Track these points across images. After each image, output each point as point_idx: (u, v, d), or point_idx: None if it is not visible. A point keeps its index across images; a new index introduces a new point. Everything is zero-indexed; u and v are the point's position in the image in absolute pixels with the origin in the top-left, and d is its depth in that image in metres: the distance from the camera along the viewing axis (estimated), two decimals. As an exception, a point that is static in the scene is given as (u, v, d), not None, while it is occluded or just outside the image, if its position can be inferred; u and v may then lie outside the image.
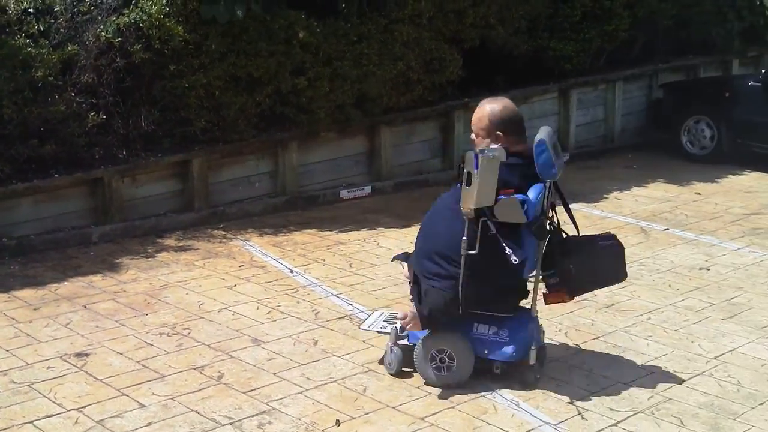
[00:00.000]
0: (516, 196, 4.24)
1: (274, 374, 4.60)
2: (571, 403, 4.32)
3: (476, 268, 4.28)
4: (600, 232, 4.88)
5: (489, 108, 4.47)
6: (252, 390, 4.41)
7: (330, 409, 4.22)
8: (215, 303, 5.64)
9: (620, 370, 4.71)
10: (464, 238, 4.26)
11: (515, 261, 4.22)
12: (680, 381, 4.58)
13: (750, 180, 9.32)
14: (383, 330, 4.85)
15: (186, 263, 6.45)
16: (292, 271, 6.29)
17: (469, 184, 4.16)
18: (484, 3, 9.04)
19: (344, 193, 8.40)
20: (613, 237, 4.67)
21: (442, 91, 9.17)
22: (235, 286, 5.98)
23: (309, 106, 8.01)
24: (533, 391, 4.43)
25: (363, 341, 5.04)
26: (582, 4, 10.05)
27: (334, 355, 4.86)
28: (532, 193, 4.31)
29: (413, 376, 4.57)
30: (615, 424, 4.12)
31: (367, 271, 6.33)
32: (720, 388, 4.51)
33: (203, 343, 4.99)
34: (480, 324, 4.47)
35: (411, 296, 4.60)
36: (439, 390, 4.42)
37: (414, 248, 4.67)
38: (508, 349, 4.45)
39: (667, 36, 11.63)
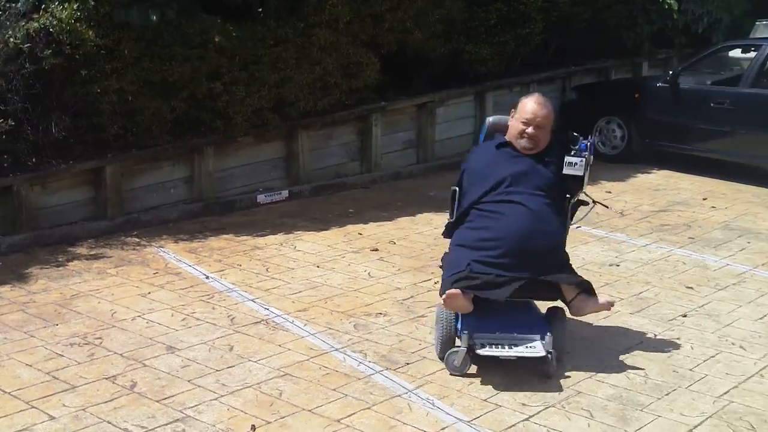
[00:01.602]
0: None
1: (189, 381, 4.57)
2: (485, 400, 4.39)
3: None
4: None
5: (550, 105, 5.02)
6: (166, 398, 4.37)
7: (245, 415, 4.21)
8: (128, 311, 5.56)
9: (532, 366, 4.80)
10: (569, 220, 4.98)
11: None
12: (590, 374, 4.69)
13: (658, 178, 9.59)
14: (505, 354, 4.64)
15: (98, 272, 6.35)
16: (207, 277, 6.25)
17: (587, 168, 4.87)
18: (400, 8, 9.11)
19: (261, 198, 8.36)
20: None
21: (360, 95, 9.21)
22: (149, 293, 5.91)
23: (225, 111, 7.97)
24: (448, 389, 4.49)
25: (279, 346, 5.04)
26: (497, 8, 10.21)
27: (249, 360, 4.84)
28: None
29: (330, 379, 4.59)
30: (527, 419, 4.20)
31: (284, 275, 6.32)
32: (628, 381, 4.63)
33: (116, 352, 4.92)
34: None
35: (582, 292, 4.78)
36: (355, 392, 4.45)
37: (516, 258, 4.63)
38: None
39: (580, 39, 11.88)
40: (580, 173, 4.83)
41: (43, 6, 7.18)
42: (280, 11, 8.44)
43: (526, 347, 4.62)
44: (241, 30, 8.01)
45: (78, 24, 7.08)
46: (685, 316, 5.58)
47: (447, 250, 4.97)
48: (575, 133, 5.04)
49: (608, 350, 5.03)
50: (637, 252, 6.93)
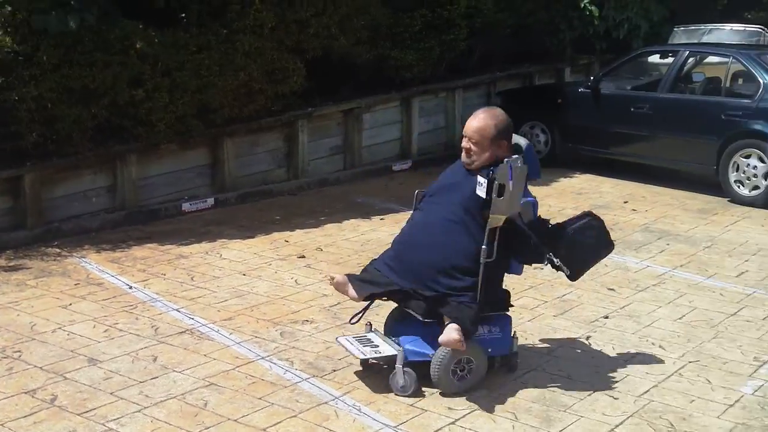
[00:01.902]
0: (528, 198, 4.62)
1: (111, 393, 4.49)
2: (412, 405, 4.41)
3: (491, 274, 4.53)
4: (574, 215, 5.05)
5: (492, 117, 4.64)
6: (87, 411, 4.28)
7: (170, 426, 4.15)
8: (48, 323, 5.44)
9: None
10: (484, 246, 4.45)
11: (550, 260, 4.66)
12: (515, 377, 4.75)
13: (581, 182, 9.77)
14: (380, 354, 4.66)
15: (17, 283, 6.20)
16: (131, 287, 6.15)
17: (500, 195, 4.38)
18: (325, 13, 9.11)
19: (186, 206, 8.27)
20: (589, 214, 4.92)
21: (286, 101, 9.18)
22: (70, 304, 5.78)
23: (148, 118, 7.86)
24: (375, 395, 4.50)
25: (204, 355, 4.99)
26: (422, 14, 10.29)
27: (174, 371, 4.78)
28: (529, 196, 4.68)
29: (256, 387, 4.56)
30: (453, 422, 4.23)
31: (209, 284, 6.26)
32: (552, 382, 4.71)
33: (35, 366, 4.81)
34: (480, 326, 4.62)
35: (422, 315, 4.56)
36: (281, 400, 4.43)
37: (400, 265, 4.60)
38: (506, 344, 4.77)
39: (504, 45, 12.05)
40: (482, 195, 4.45)
41: (-42, 11, 7.00)
42: (203, 17, 8.36)
43: (370, 350, 4.68)
44: (163, 36, 7.92)
45: (-6, 30, 6.92)
46: (606, 317, 5.70)
47: None
48: (521, 143, 4.75)
49: (532, 352, 5.10)
50: (560, 255, 7.03)
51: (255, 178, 9.07)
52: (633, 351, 5.15)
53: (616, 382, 4.73)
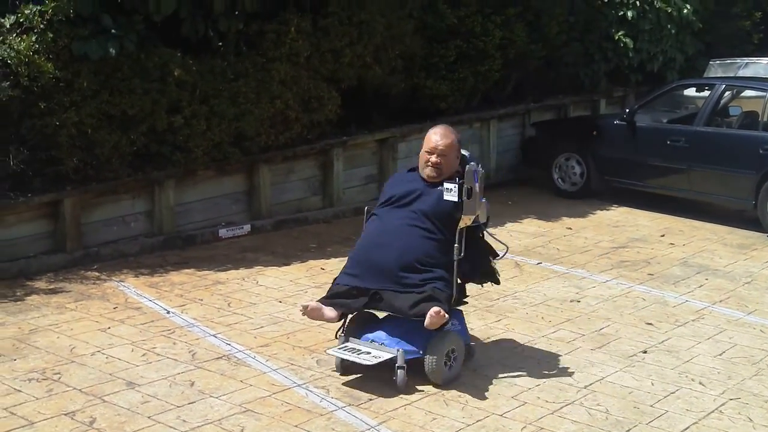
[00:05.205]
0: (481, 199, 5.11)
1: (149, 417, 4.50)
2: (448, 436, 4.39)
3: (460, 270, 5.05)
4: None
5: (453, 133, 5.27)
6: (125, 435, 4.30)
7: (207, 452, 4.16)
8: (88, 346, 5.47)
9: (495, 401, 4.82)
10: (456, 245, 4.99)
11: (500, 255, 5.29)
12: (552, 410, 4.71)
13: (617, 214, 9.71)
14: (381, 358, 4.90)
15: (57, 306, 6.25)
16: (168, 312, 6.17)
17: (469, 197, 4.96)
18: (360, 43, 9.17)
19: (223, 232, 8.31)
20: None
21: (320, 130, 9.22)
22: (109, 328, 5.82)
23: (186, 145, 7.93)
24: (411, 425, 4.48)
25: (241, 381, 4.99)
26: (456, 45, 10.32)
27: (211, 396, 4.79)
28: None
29: (292, 415, 4.56)
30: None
31: (246, 310, 6.27)
32: (589, 416, 4.66)
33: (75, 388, 4.84)
34: None
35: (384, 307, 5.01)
36: (317, 428, 4.42)
37: (366, 270, 5.03)
38: (466, 334, 5.30)
39: (538, 76, 12.05)
40: (455, 199, 4.99)
41: (1, 38, 7.11)
42: (240, 45, 8.45)
43: (370, 356, 4.89)
44: (200, 63, 8.00)
45: (36, 56, 7.01)
46: (645, 352, 5.64)
47: None
48: (465, 153, 5.35)
49: (569, 386, 5.06)
50: (597, 288, 7.00)
51: (290, 205, 9.10)
52: (672, 387, 5.09)
53: (655, 418, 4.67)
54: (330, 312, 5.01)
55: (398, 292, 4.92)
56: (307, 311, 5.00)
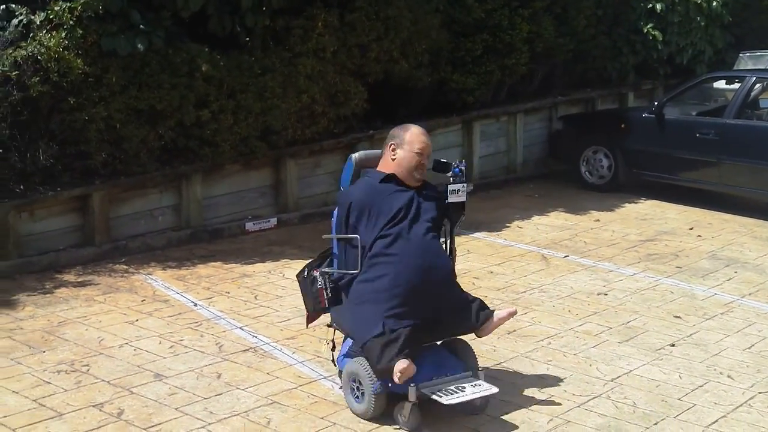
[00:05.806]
0: None
1: (176, 409, 4.54)
2: (476, 429, 4.37)
3: None
4: None
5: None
6: (153, 426, 4.34)
7: (233, 443, 4.18)
8: (116, 338, 5.53)
9: (521, 394, 4.80)
10: (455, 247, 4.90)
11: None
12: (578, 404, 4.69)
13: (645, 207, 9.64)
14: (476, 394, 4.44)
15: (86, 299, 6.32)
16: (195, 305, 6.22)
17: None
18: (387, 38, 9.17)
19: (249, 226, 8.35)
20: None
21: (347, 124, 9.24)
22: (137, 320, 5.88)
23: (213, 139, 7.98)
24: (436, 417, 4.47)
25: (268, 373, 5.02)
26: (482, 38, 10.28)
27: (237, 388, 4.82)
28: None
29: (318, 407, 4.58)
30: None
31: (272, 303, 6.30)
32: (616, 410, 4.63)
33: (103, 380, 4.89)
34: None
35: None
36: (343, 420, 4.43)
37: (417, 302, 4.41)
38: None
39: (565, 70, 11.99)
40: (464, 199, 4.76)
41: (31, 34, 7.20)
42: (267, 41, 8.48)
43: (472, 386, 4.42)
44: (228, 59, 8.05)
45: (66, 52, 7.09)
46: (673, 345, 5.60)
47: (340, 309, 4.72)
48: (443, 160, 4.84)
49: (596, 379, 5.03)
50: (625, 281, 6.95)
51: (316, 199, 9.13)
52: (700, 380, 5.05)
53: (683, 411, 4.63)
54: (413, 367, 4.26)
55: (456, 311, 4.57)
56: (402, 378, 4.22)
